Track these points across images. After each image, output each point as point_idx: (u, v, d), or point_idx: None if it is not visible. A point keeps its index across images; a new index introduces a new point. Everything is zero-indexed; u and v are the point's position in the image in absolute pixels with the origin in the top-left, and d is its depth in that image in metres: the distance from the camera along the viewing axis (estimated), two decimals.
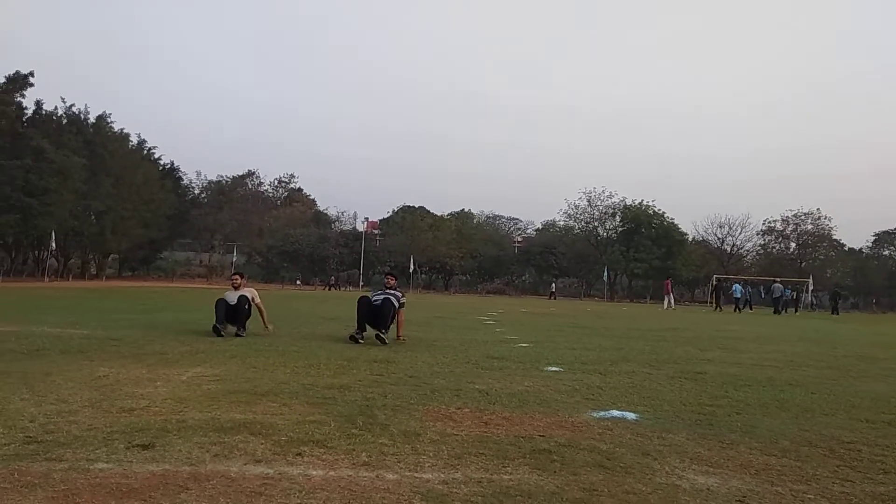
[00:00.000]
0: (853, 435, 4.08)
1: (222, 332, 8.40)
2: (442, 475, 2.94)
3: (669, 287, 36.42)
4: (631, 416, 4.41)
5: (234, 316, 8.71)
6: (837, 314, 33.94)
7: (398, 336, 8.74)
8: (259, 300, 9.14)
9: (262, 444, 3.32)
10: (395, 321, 8.69)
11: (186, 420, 3.76)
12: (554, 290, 51.86)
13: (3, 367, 5.39)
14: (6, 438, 3.25)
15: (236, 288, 9.15)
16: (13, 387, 4.57)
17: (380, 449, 3.32)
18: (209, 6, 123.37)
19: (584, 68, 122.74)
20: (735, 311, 32.89)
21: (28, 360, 5.87)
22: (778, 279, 38.20)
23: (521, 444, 3.53)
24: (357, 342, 8.17)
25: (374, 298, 8.68)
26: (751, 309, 34.54)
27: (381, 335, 8.23)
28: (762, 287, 40.67)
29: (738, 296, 34.50)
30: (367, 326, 8.48)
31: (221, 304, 8.77)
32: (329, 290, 47.13)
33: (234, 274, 9.86)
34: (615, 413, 4.47)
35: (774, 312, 31.67)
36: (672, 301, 35.42)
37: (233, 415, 3.94)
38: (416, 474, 2.94)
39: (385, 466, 3.04)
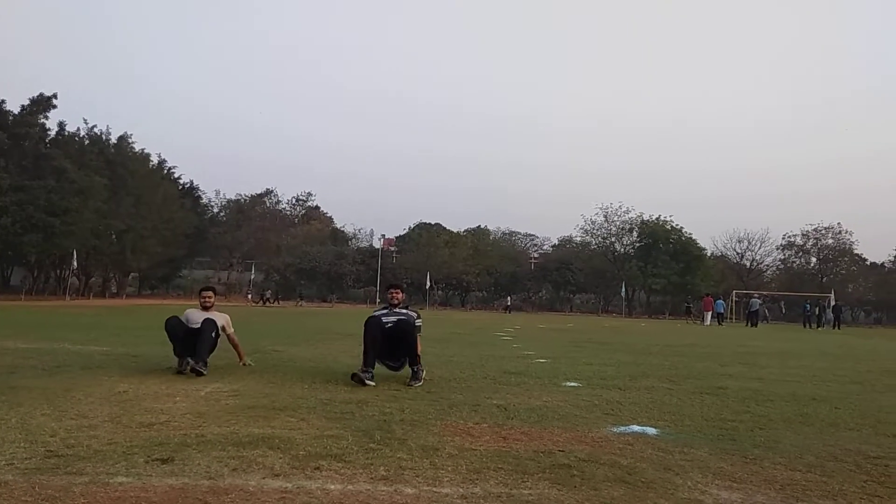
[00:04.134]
0: (880, 450, 4.00)
1: (184, 370, 6.35)
2: (461, 490, 2.91)
3: (711, 304, 36.90)
4: (652, 431, 4.35)
5: (193, 345, 6.45)
6: (839, 328, 35.57)
7: None
8: (232, 329, 7.07)
9: (280, 458, 3.31)
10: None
11: (205, 434, 3.77)
12: (510, 303, 51.92)
13: (25, 383, 5.44)
14: (28, 452, 3.28)
15: (206, 309, 6.94)
16: (35, 402, 4.61)
17: (398, 463, 3.30)
18: (221, 42, 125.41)
19: (599, 85, 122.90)
20: (718, 324, 35.13)
21: (49, 377, 5.93)
22: (756, 294, 41.47)
23: (541, 458, 3.49)
24: (364, 384, 5.87)
25: (386, 319, 6.47)
26: (720, 323, 36.14)
27: (414, 381, 6.11)
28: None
29: (722, 310, 37.14)
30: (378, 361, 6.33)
31: (178, 327, 6.56)
32: (263, 304, 42.13)
33: (206, 289, 7.19)
34: (635, 428, 4.41)
35: (747, 325, 33.97)
36: (709, 318, 36.13)
37: (251, 429, 3.95)
38: (434, 489, 2.92)
39: (403, 481, 3.02)
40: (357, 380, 5.91)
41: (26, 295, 35.28)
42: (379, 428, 4.11)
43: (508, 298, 54.61)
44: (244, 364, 7.11)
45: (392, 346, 6.29)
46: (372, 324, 6.29)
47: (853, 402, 6.01)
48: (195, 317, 6.76)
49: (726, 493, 3.02)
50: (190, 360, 6.35)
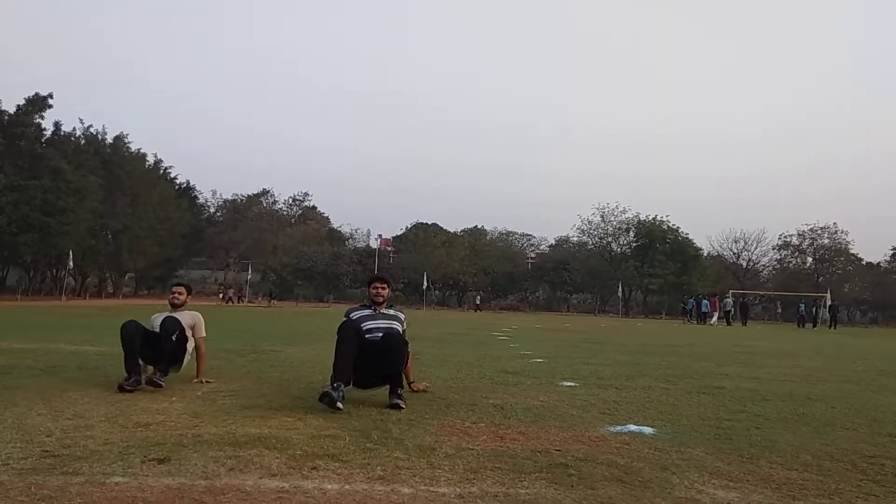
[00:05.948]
0: (876, 449, 4.01)
1: (132, 387, 5.12)
2: (458, 489, 2.91)
3: (717, 303, 37.98)
4: (648, 430, 4.36)
5: (153, 351, 5.44)
6: (835, 328, 36.58)
7: (409, 383, 5.49)
8: (203, 332, 5.92)
9: (277, 458, 3.31)
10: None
11: (202, 434, 3.76)
12: (479, 302, 52.75)
13: (22, 383, 5.43)
14: (24, 452, 3.27)
15: (175, 307, 5.94)
16: (31, 402, 4.60)
17: (395, 463, 3.30)
18: (221, 49, 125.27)
19: (598, 88, 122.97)
20: (702, 322, 36.87)
21: (45, 377, 5.92)
22: (729, 293, 43.25)
23: (538, 458, 3.50)
24: (336, 407, 4.56)
25: (368, 328, 5.19)
26: (700, 322, 37.66)
27: (397, 400, 4.84)
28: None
29: (706, 310, 38.35)
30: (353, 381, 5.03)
31: (136, 333, 5.40)
32: (227, 303, 40.89)
33: (177, 285, 6.16)
34: (632, 427, 4.41)
35: (727, 324, 35.48)
36: (717, 317, 37.14)
37: (248, 429, 3.94)
38: (431, 488, 2.92)
39: (400, 480, 3.02)
40: (328, 400, 4.56)
41: (22, 295, 35.25)
42: (376, 427, 4.11)
43: (477, 297, 54.98)
44: (201, 381, 5.73)
45: (373, 365, 5.01)
46: (348, 332, 5.03)
47: (849, 402, 6.02)
48: (158, 319, 5.71)
49: (723, 492, 3.03)
50: (143, 372, 5.36)
